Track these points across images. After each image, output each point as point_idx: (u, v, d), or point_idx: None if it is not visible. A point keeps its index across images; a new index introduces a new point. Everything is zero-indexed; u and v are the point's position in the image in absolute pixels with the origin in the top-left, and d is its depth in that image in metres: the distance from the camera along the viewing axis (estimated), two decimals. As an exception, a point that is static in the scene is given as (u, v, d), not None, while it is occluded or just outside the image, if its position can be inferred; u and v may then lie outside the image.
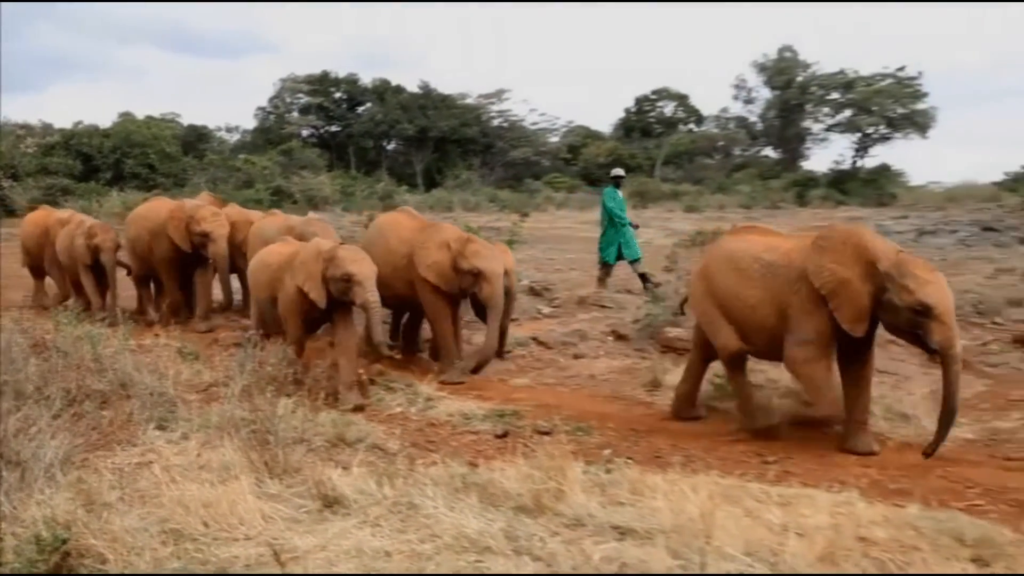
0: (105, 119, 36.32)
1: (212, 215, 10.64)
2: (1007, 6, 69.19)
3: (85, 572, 3.91)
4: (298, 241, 8.53)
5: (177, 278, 11.10)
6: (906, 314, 5.59)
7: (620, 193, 12.16)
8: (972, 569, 3.65)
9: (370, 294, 7.24)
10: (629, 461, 5.12)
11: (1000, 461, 5.72)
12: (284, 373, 6.71)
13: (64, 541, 3.92)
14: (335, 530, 4.11)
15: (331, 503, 4.47)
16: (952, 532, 4.01)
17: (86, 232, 11.19)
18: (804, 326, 6.00)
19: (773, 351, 6.35)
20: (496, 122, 41.61)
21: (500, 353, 8.54)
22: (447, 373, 8.08)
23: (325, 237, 8.72)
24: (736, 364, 6.60)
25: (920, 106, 36.93)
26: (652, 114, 42.17)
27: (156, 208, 11.36)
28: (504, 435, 6.26)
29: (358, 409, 6.81)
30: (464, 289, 8.15)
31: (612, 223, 12.64)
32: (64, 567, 3.90)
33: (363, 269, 7.30)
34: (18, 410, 5.23)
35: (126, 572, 3.79)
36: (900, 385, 7.07)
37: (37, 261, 13.10)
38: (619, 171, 13.90)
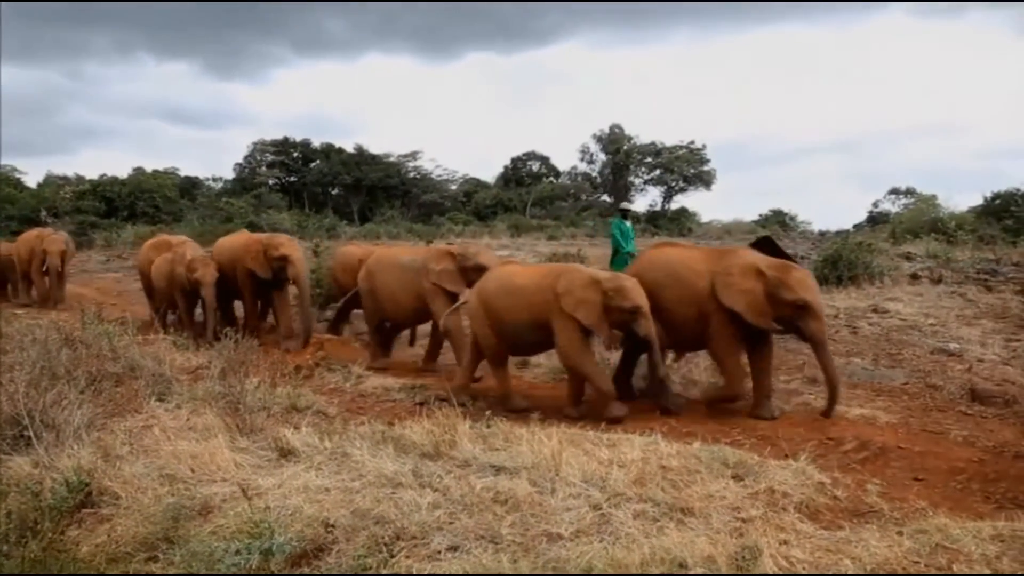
0: (122, 172, 35.35)
1: (288, 240, 8.99)
2: (766, 97, 73.02)
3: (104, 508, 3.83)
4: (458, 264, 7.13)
5: (256, 302, 9.29)
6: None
7: (628, 223, 9.47)
8: (733, 484, 3.83)
9: (652, 326, 5.60)
10: (503, 419, 5.14)
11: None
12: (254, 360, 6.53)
13: (87, 484, 3.96)
14: (289, 473, 4.04)
15: (286, 453, 4.39)
16: (720, 459, 4.17)
17: (187, 265, 9.01)
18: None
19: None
20: (411, 175, 41.10)
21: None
22: (761, 408, 5.57)
23: (491, 262, 7.11)
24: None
25: (705, 168, 38.55)
26: (524, 169, 42.36)
27: (235, 239, 9.58)
28: (422, 404, 6.20)
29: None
30: (787, 319, 5.47)
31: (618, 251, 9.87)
32: (88, 503, 3.92)
33: (646, 302, 5.61)
34: (53, 387, 5.05)
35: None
36: (691, 360, 7.12)
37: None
38: (627, 204, 11.47)
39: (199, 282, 8.90)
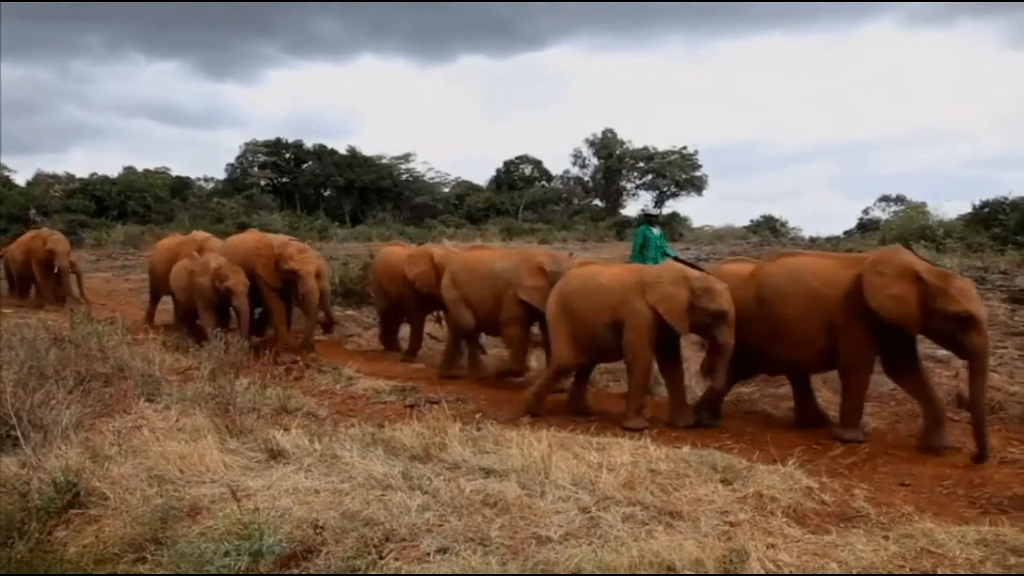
0: (113, 171, 35.26)
1: (299, 251, 8.28)
2: (756, 105, 73.44)
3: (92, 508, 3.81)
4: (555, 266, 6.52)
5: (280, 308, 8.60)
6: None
7: (655, 230, 8.81)
8: (722, 488, 3.85)
9: (732, 335, 5.36)
10: (494, 422, 5.15)
11: (743, 414, 5.99)
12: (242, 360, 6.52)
13: (75, 484, 3.93)
14: (278, 474, 4.04)
15: (275, 455, 4.39)
16: (709, 463, 4.18)
17: (214, 274, 8.17)
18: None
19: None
20: (404, 177, 41.08)
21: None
22: (848, 432, 5.09)
23: (566, 266, 6.61)
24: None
25: (697, 173, 38.73)
26: (516, 173, 42.38)
27: (245, 239, 9.01)
28: (412, 406, 6.19)
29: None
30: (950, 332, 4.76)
31: (642, 257, 8.79)
32: (76, 503, 3.87)
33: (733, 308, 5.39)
34: (41, 387, 5.05)
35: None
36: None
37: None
38: (650, 209, 10.45)
39: (231, 292, 8.12)
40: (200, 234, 10.61)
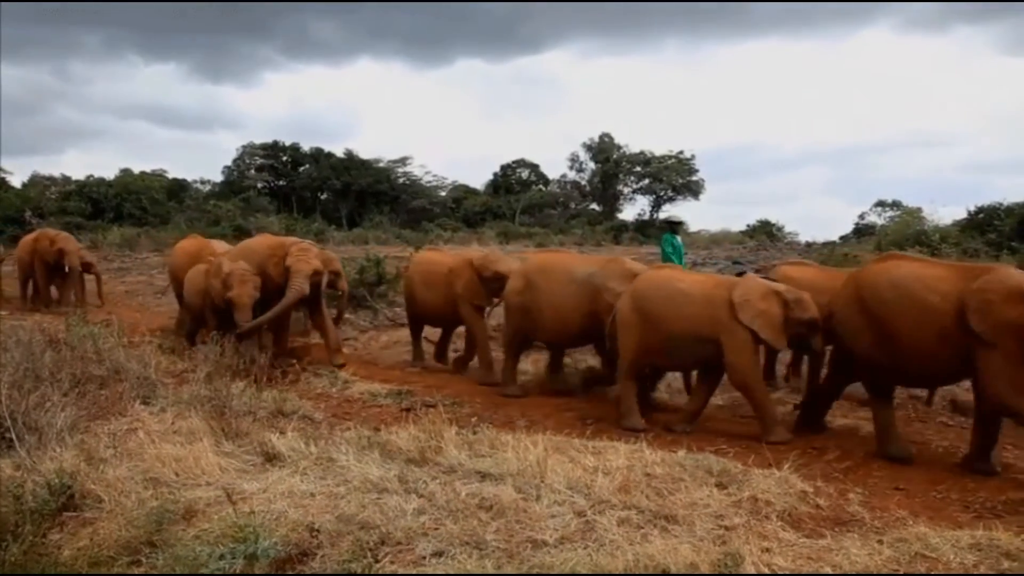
0: (109, 173, 35.16)
1: (299, 251, 7.93)
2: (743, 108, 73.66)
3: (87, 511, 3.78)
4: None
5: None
6: None
7: (678, 239, 8.63)
8: (717, 492, 3.86)
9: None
10: (490, 425, 5.16)
11: (738, 419, 6.01)
12: (237, 363, 6.52)
13: (70, 487, 3.90)
14: (274, 477, 4.03)
15: (271, 458, 4.37)
16: (705, 467, 4.20)
17: (223, 280, 7.69)
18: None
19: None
20: (401, 180, 41.10)
21: None
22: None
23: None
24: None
25: (693, 178, 38.82)
26: (513, 177, 42.41)
27: (260, 242, 8.57)
28: (408, 410, 6.18)
29: None
30: None
31: None
32: (70, 506, 3.85)
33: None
34: (36, 389, 5.03)
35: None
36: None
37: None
38: (675, 217, 10.17)
39: (232, 303, 7.58)
40: (219, 244, 10.31)
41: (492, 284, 7.46)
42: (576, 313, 6.38)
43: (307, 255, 7.93)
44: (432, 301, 8.00)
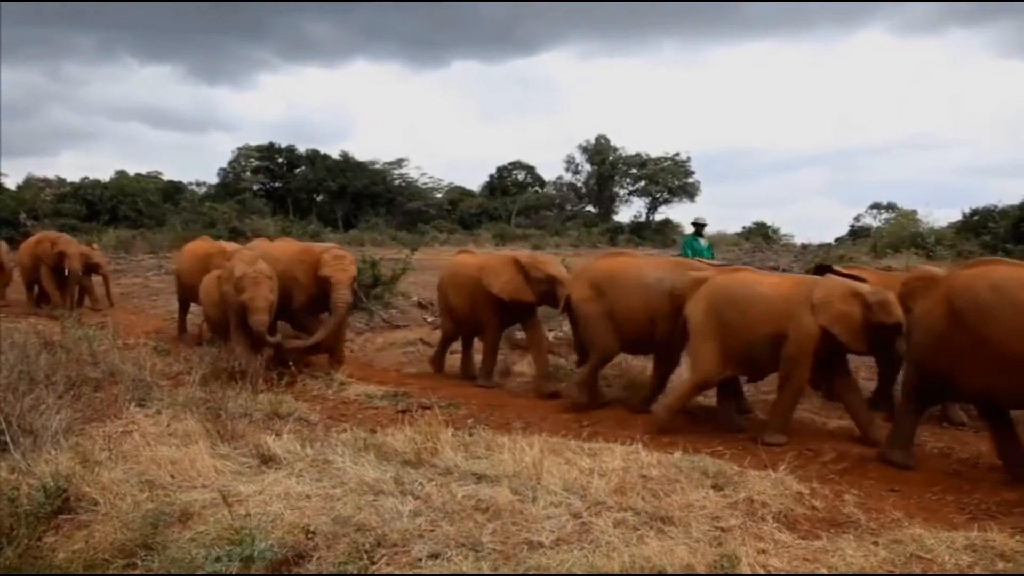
0: (104, 175, 35.29)
1: (335, 258, 7.61)
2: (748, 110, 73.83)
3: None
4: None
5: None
6: None
7: (702, 241, 8.47)
8: (713, 493, 3.87)
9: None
10: (486, 427, 5.16)
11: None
12: (231, 365, 6.51)
13: (65, 489, 3.90)
14: (269, 479, 4.03)
15: (267, 460, 4.38)
16: (701, 469, 4.20)
17: (235, 283, 7.12)
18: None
19: None
20: (397, 182, 41.15)
21: None
22: None
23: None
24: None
25: (689, 180, 38.95)
26: (509, 179, 42.45)
27: (285, 247, 8.18)
28: (404, 411, 6.17)
29: None
30: None
31: None
32: (65, 509, 3.85)
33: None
34: (32, 392, 5.03)
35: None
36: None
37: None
38: (700, 219, 9.54)
39: (246, 306, 7.01)
40: (230, 245, 9.91)
41: (540, 287, 6.91)
42: (651, 319, 6.05)
43: (344, 262, 7.67)
44: (464, 310, 7.46)
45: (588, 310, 6.34)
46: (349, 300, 7.61)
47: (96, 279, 12.26)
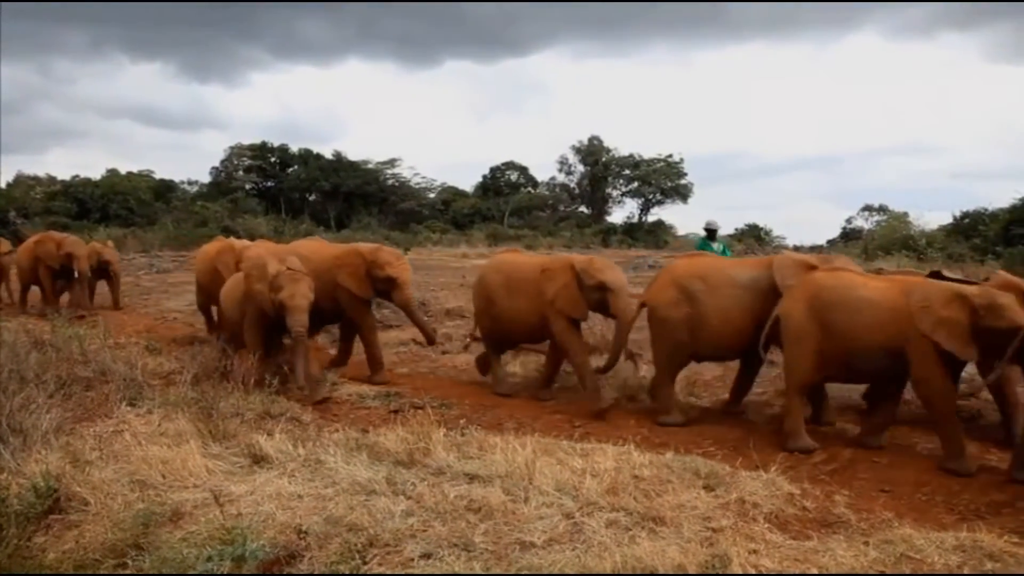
0: (95, 173, 35.21)
1: (396, 258, 7.32)
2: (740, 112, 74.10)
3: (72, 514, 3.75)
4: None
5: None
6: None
7: (715, 245, 8.14)
8: (705, 494, 3.88)
9: None
10: (478, 427, 5.15)
11: (725, 421, 5.94)
12: (224, 364, 6.48)
13: (55, 489, 3.89)
14: (261, 479, 4.03)
15: (259, 460, 4.37)
16: (692, 469, 4.22)
17: (271, 283, 6.37)
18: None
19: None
20: (390, 182, 41.08)
21: None
22: None
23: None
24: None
25: (682, 182, 39.01)
26: (502, 179, 42.45)
27: (323, 248, 7.80)
28: (396, 411, 6.16)
29: None
30: None
31: None
32: (56, 508, 3.84)
33: None
34: (21, 391, 5.01)
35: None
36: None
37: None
38: (712, 223, 9.10)
39: (285, 305, 6.29)
40: (240, 243, 9.40)
41: (593, 295, 6.35)
42: (747, 323, 5.67)
43: (403, 261, 7.41)
44: (516, 311, 6.77)
45: (671, 316, 5.88)
46: (414, 300, 7.62)
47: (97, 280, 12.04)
